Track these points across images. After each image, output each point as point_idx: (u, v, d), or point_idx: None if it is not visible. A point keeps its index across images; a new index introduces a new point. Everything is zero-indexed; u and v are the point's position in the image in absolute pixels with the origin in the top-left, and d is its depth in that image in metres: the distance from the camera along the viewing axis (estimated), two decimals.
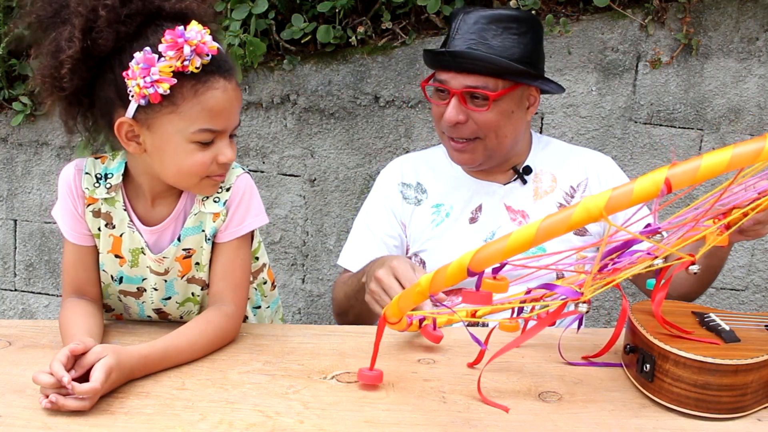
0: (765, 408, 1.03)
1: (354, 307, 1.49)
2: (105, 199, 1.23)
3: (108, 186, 1.23)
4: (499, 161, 1.56)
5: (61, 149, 2.44)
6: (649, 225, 0.97)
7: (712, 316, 1.13)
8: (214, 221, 1.23)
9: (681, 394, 0.99)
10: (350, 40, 2.21)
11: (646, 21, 2.13)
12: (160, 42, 1.05)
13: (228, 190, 1.24)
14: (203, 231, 1.24)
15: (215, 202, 1.23)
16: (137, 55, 1.05)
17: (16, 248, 2.56)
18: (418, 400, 1.04)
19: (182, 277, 1.28)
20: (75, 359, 1.01)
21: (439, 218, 1.58)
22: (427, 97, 1.54)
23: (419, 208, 1.61)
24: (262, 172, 2.35)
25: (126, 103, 1.08)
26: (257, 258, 1.39)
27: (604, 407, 1.03)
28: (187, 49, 1.04)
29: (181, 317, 1.34)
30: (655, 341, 1.02)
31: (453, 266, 0.82)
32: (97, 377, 0.97)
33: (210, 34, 1.07)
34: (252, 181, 1.28)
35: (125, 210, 1.23)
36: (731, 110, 2.17)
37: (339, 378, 1.10)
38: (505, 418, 0.99)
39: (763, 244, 2.25)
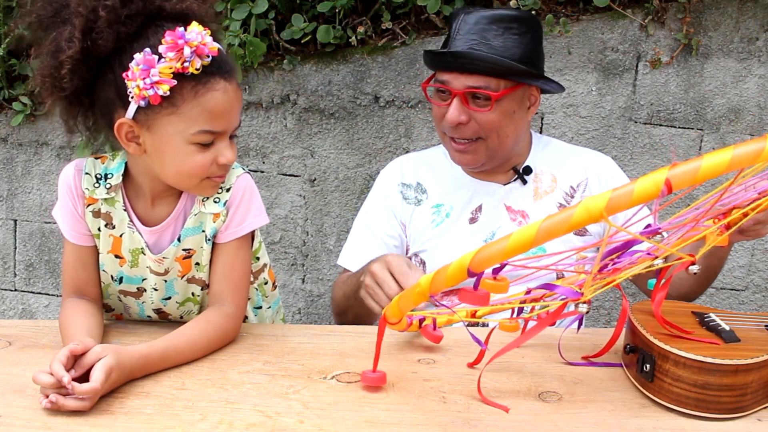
0: (765, 408, 1.03)
1: (353, 306, 1.49)
2: (105, 199, 1.23)
3: (108, 186, 1.23)
4: (501, 161, 1.56)
5: (61, 149, 2.44)
6: (649, 225, 0.97)
7: (712, 316, 1.13)
8: (214, 221, 1.23)
9: (681, 394, 0.99)
10: (350, 40, 2.21)
11: (646, 21, 2.13)
12: (161, 43, 1.04)
13: (228, 190, 1.24)
14: (203, 231, 1.24)
15: (215, 202, 1.23)
16: (137, 56, 1.04)
17: (16, 248, 2.56)
18: (418, 400, 1.04)
19: (182, 277, 1.28)
20: (75, 359, 1.01)
21: (439, 218, 1.58)
22: (428, 98, 1.54)
23: (419, 208, 1.61)
24: (262, 172, 2.35)
25: (126, 103, 1.08)
26: (258, 258, 1.39)
27: (604, 407, 1.03)
28: (187, 51, 1.04)
29: (181, 317, 1.34)
30: (655, 341, 1.02)
31: (453, 267, 0.82)
32: (97, 377, 0.97)
33: (210, 35, 1.07)
34: (252, 181, 1.28)
35: (125, 210, 1.23)
36: (731, 110, 2.17)
37: (339, 378, 1.10)
38: (505, 418, 0.99)
39: (763, 244, 2.25)
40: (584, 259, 1.35)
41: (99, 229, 1.25)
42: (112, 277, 1.28)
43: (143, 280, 1.28)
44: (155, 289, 1.29)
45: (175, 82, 1.05)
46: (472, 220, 1.57)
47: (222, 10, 2.11)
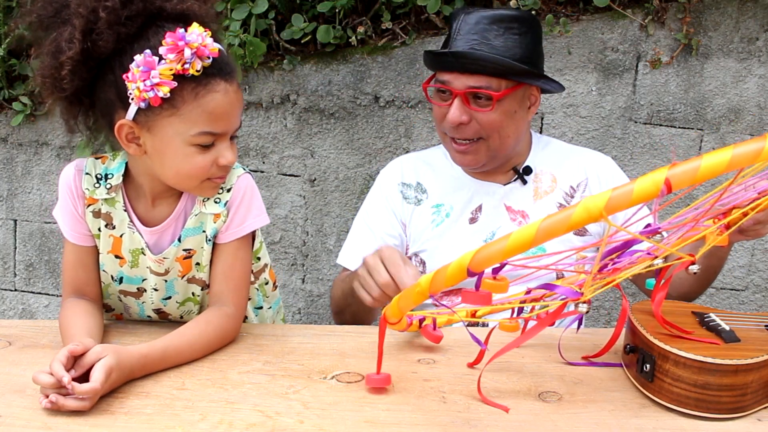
0: (765, 408, 1.03)
1: (351, 305, 1.49)
2: (105, 199, 1.23)
3: (108, 186, 1.23)
4: (501, 161, 1.56)
5: (61, 149, 2.44)
6: (649, 225, 0.97)
7: (712, 316, 1.13)
8: (214, 222, 1.23)
9: (681, 394, 0.99)
10: (350, 40, 2.21)
11: (646, 21, 2.13)
12: (161, 44, 1.04)
13: (229, 190, 1.24)
14: (204, 232, 1.24)
15: (216, 202, 1.23)
16: (137, 57, 1.04)
17: (16, 248, 2.56)
18: (418, 400, 1.04)
19: (182, 277, 1.28)
20: (75, 359, 1.01)
21: (439, 218, 1.58)
22: (429, 98, 1.54)
23: (419, 208, 1.61)
24: (262, 172, 2.35)
25: (126, 104, 1.08)
26: (259, 258, 1.39)
27: (604, 407, 1.03)
28: (187, 52, 1.03)
29: (182, 317, 1.34)
30: (655, 341, 1.02)
31: (453, 266, 0.82)
32: (97, 377, 0.97)
33: (211, 36, 1.06)
34: (253, 182, 1.28)
35: (125, 210, 1.23)
36: (731, 110, 2.17)
37: (339, 378, 1.10)
38: (505, 418, 0.99)
39: (763, 244, 2.25)
40: (584, 259, 1.35)
41: (99, 230, 1.25)
42: (112, 277, 1.28)
43: (143, 280, 1.28)
44: (155, 290, 1.29)
45: (175, 83, 1.05)
46: (472, 220, 1.57)
47: (222, 10, 2.11)
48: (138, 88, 1.04)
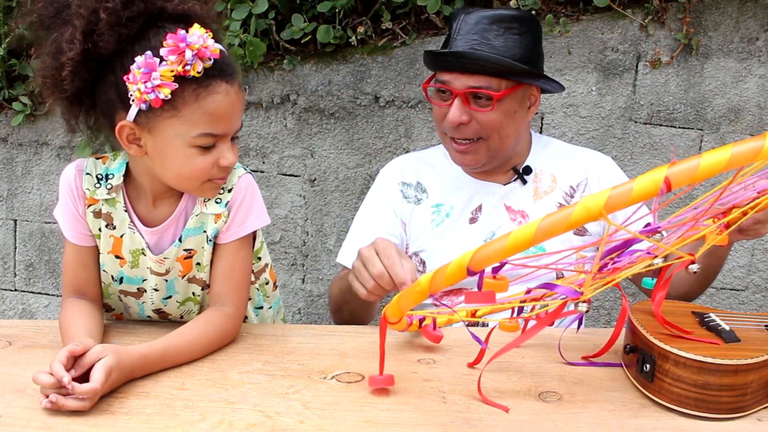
0: (765, 408, 1.03)
1: (348, 302, 1.48)
2: (106, 199, 1.23)
3: (109, 187, 1.23)
4: (501, 161, 1.56)
5: (61, 149, 2.44)
6: (648, 224, 0.97)
7: (712, 316, 1.13)
8: (215, 222, 1.23)
9: (681, 394, 0.99)
10: (350, 40, 2.21)
11: (646, 21, 2.13)
12: (162, 45, 1.04)
13: (230, 191, 1.23)
14: (205, 232, 1.24)
15: (217, 203, 1.23)
16: (138, 59, 1.03)
17: (16, 248, 2.56)
18: (418, 400, 1.04)
19: (183, 277, 1.28)
20: (75, 359, 1.01)
21: (439, 218, 1.58)
22: (429, 98, 1.54)
23: (419, 207, 1.61)
24: (262, 172, 2.35)
25: (127, 104, 1.08)
26: (260, 258, 1.39)
27: (604, 407, 1.03)
28: (188, 54, 1.03)
29: (182, 317, 1.34)
30: (655, 341, 1.02)
31: (453, 265, 0.82)
32: (97, 377, 0.97)
33: (212, 37, 1.06)
34: (254, 182, 1.27)
35: (126, 211, 1.23)
36: (731, 110, 2.17)
37: (339, 378, 1.10)
38: (505, 418, 0.99)
39: (763, 244, 2.25)
40: (583, 258, 1.35)
41: (100, 230, 1.25)
42: (112, 277, 1.28)
43: (143, 280, 1.28)
44: (156, 290, 1.29)
45: (176, 85, 1.04)
46: (472, 220, 1.57)
47: (222, 10, 2.11)
48: (139, 89, 1.04)
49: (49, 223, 2.50)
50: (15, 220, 2.54)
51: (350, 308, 1.50)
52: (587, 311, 0.97)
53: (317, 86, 2.25)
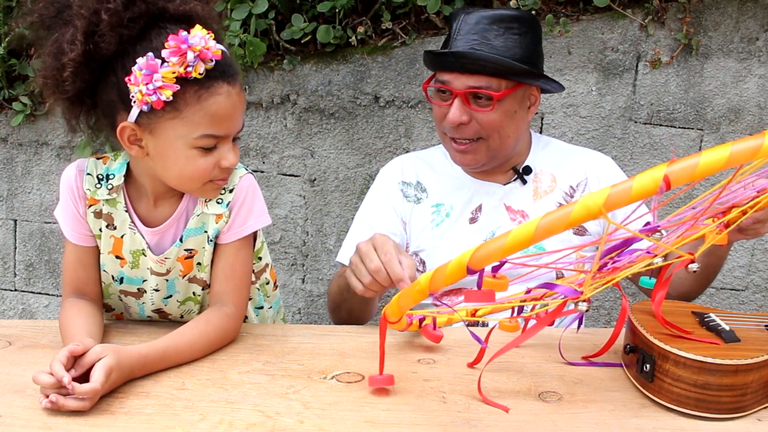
0: (765, 408, 1.03)
1: (346, 300, 1.48)
2: (106, 200, 1.23)
3: (109, 187, 1.22)
4: (501, 161, 1.56)
5: (61, 149, 2.44)
6: (648, 223, 0.97)
7: (712, 316, 1.13)
8: (216, 222, 1.23)
9: (681, 394, 0.99)
10: (350, 40, 2.21)
11: (646, 21, 2.13)
12: (164, 46, 1.03)
13: (231, 191, 1.23)
14: (206, 232, 1.24)
15: (218, 203, 1.23)
16: (140, 60, 1.03)
17: (16, 248, 2.56)
18: (418, 400, 1.04)
19: (183, 277, 1.28)
20: (75, 359, 1.01)
21: (439, 218, 1.58)
22: (429, 98, 1.54)
23: (419, 207, 1.61)
24: (262, 172, 2.35)
25: (128, 105, 1.08)
26: (260, 258, 1.39)
27: (604, 407, 1.03)
28: (190, 55, 1.03)
29: (182, 316, 1.34)
30: (655, 341, 1.02)
31: (452, 264, 0.81)
32: (97, 377, 0.97)
33: (214, 38, 1.06)
34: (255, 182, 1.27)
35: (126, 211, 1.23)
36: (731, 110, 2.17)
37: (339, 378, 1.10)
38: (505, 418, 0.99)
39: (763, 244, 2.25)
40: (583, 258, 1.35)
41: (100, 230, 1.25)
42: (113, 277, 1.28)
43: (144, 281, 1.28)
44: (156, 290, 1.28)
45: (178, 87, 1.04)
46: (472, 220, 1.57)
47: (222, 10, 2.11)
48: (140, 91, 1.04)
49: (49, 223, 2.50)
50: (15, 220, 2.54)
51: (348, 307, 1.49)
52: (587, 310, 0.97)
53: (317, 86, 2.25)
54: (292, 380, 1.09)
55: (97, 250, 1.27)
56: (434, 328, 1.20)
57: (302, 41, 2.23)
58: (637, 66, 2.17)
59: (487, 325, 1.35)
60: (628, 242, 0.97)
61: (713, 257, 1.41)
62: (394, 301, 0.98)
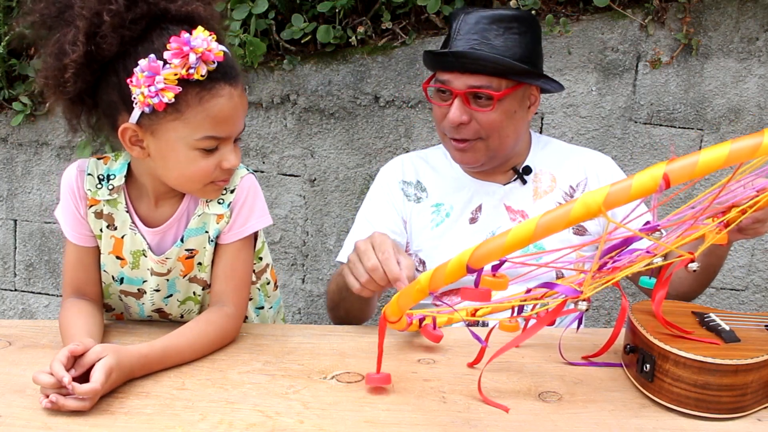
0: (765, 408, 1.03)
1: (345, 299, 1.48)
2: (107, 200, 1.23)
3: (110, 187, 1.22)
4: (501, 161, 1.56)
5: (61, 149, 2.44)
6: (648, 222, 0.97)
7: (712, 316, 1.13)
8: (217, 222, 1.23)
9: (681, 394, 0.99)
10: (350, 40, 2.21)
11: (646, 21, 2.13)
12: (165, 48, 1.03)
13: (232, 191, 1.23)
14: (207, 232, 1.24)
15: (219, 203, 1.23)
16: (142, 62, 1.03)
17: (16, 248, 2.56)
18: (418, 400, 1.04)
19: (184, 276, 1.28)
20: (75, 359, 1.01)
21: (439, 218, 1.58)
22: (429, 98, 1.54)
23: (419, 206, 1.61)
24: (262, 172, 2.35)
25: (130, 106, 1.07)
26: (261, 258, 1.39)
27: (604, 407, 1.03)
28: (192, 57, 1.02)
29: (182, 316, 1.34)
30: (655, 341, 1.02)
31: (452, 263, 0.81)
32: (97, 377, 0.97)
33: (216, 39, 1.05)
34: (256, 182, 1.27)
35: (127, 212, 1.23)
36: (731, 110, 2.17)
37: (339, 378, 1.10)
38: (505, 418, 0.99)
39: (763, 244, 2.25)
40: (583, 257, 1.35)
41: (101, 231, 1.25)
42: (113, 277, 1.28)
43: (144, 281, 1.28)
44: (156, 290, 1.28)
45: (179, 89, 1.04)
46: (472, 220, 1.57)
47: (222, 10, 2.11)
48: (142, 93, 1.04)
49: (49, 223, 2.50)
50: (15, 220, 2.54)
51: (346, 306, 1.49)
52: (587, 310, 0.97)
53: (317, 86, 2.25)
54: (292, 380, 1.09)
55: (97, 251, 1.27)
56: (434, 327, 1.20)
57: (302, 41, 2.23)
58: (637, 66, 2.17)
59: (487, 325, 1.35)
60: (627, 242, 0.97)
61: (713, 257, 1.41)
62: (394, 300, 0.98)
